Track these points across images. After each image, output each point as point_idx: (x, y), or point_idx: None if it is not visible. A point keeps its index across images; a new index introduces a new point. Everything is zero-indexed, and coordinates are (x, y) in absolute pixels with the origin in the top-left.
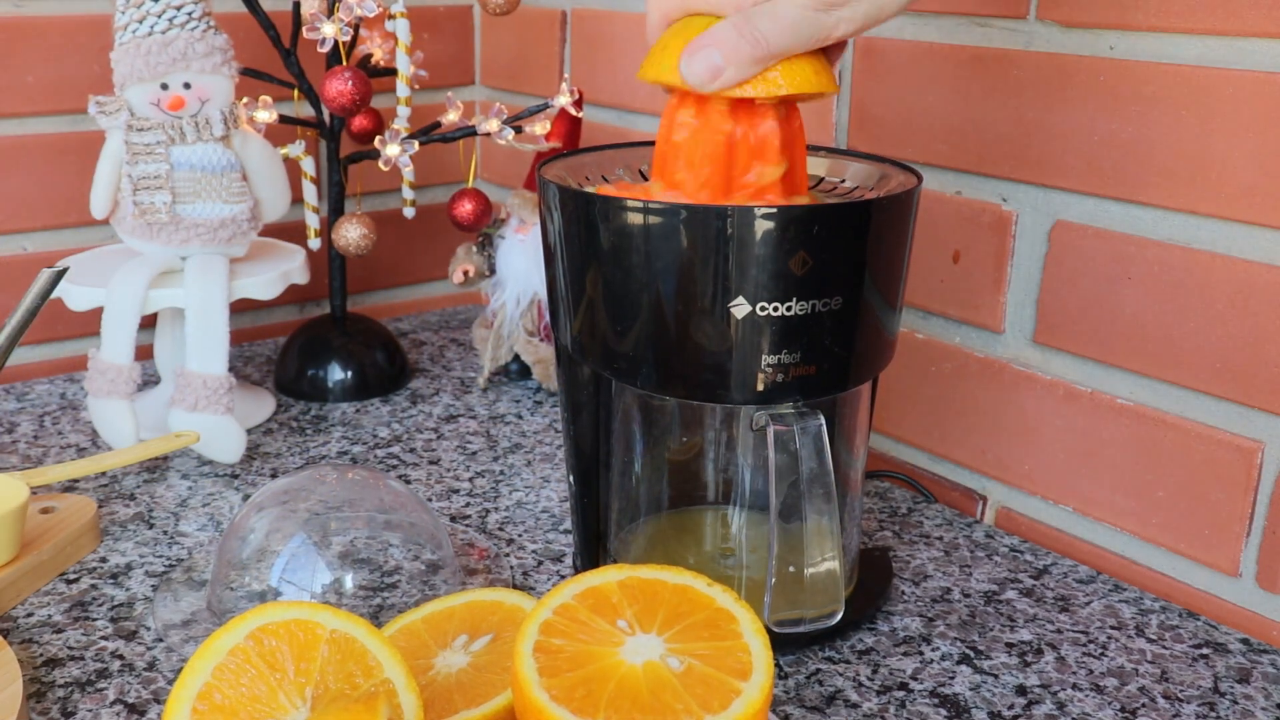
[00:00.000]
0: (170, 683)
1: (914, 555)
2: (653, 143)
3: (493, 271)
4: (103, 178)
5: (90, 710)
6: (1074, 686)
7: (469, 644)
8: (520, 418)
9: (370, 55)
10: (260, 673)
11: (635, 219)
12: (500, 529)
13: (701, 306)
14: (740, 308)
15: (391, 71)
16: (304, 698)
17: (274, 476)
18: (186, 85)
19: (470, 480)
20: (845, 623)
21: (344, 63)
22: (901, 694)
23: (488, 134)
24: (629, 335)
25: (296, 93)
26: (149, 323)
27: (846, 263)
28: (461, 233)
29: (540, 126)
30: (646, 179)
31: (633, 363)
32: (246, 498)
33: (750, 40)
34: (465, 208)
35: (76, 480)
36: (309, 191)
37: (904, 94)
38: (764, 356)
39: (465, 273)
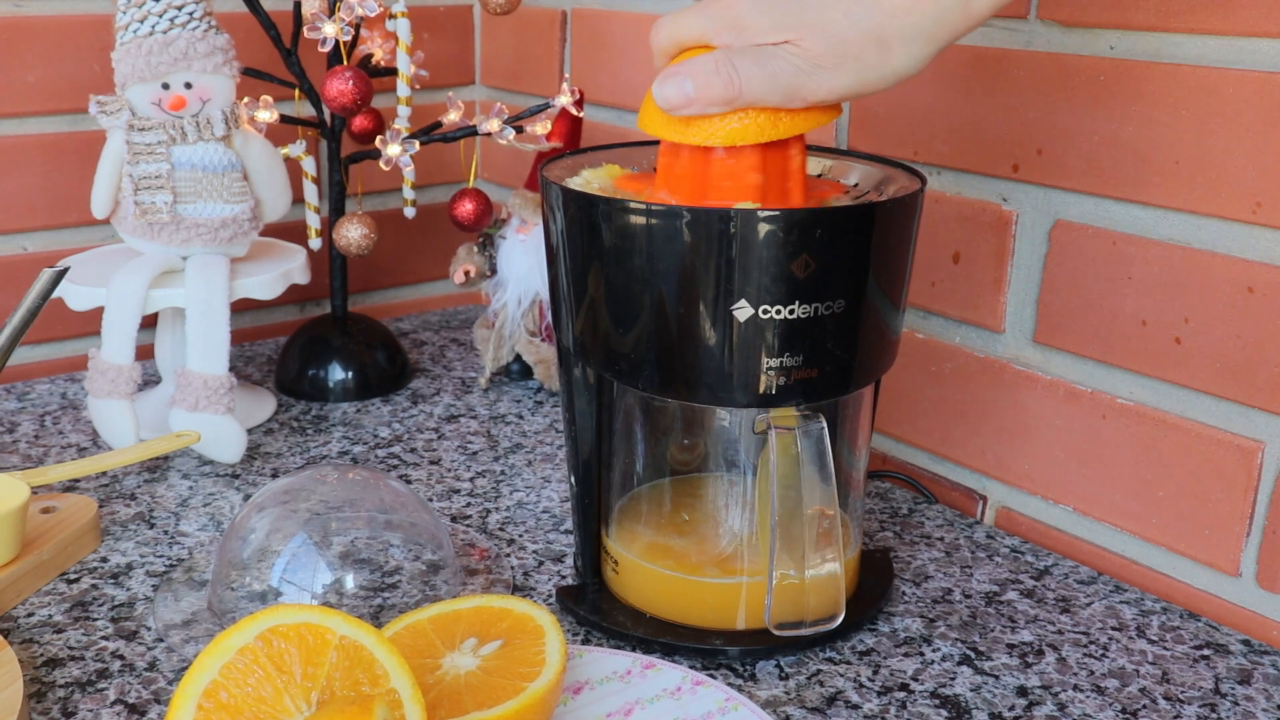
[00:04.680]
0: (171, 683)
1: (915, 556)
2: (651, 142)
3: (494, 271)
4: (104, 177)
5: (90, 710)
6: (1075, 687)
7: (478, 648)
8: (521, 418)
9: (371, 55)
10: (268, 674)
11: (638, 220)
12: (501, 529)
13: (704, 308)
14: (743, 310)
15: (392, 71)
16: (309, 702)
17: (275, 476)
18: (188, 85)
19: (471, 480)
20: (846, 624)
21: (345, 62)
22: (902, 695)
23: (488, 134)
24: (631, 336)
25: (297, 92)
26: (149, 323)
27: (849, 266)
28: (462, 233)
29: (541, 126)
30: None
31: (634, 364)
32: (247, 498)
33: (725, 80)
34: (466, 208)
35: (77, 480)
36: (310, 191)
37: (904, 94)
38: (766, 359)
39: (466, 273)
